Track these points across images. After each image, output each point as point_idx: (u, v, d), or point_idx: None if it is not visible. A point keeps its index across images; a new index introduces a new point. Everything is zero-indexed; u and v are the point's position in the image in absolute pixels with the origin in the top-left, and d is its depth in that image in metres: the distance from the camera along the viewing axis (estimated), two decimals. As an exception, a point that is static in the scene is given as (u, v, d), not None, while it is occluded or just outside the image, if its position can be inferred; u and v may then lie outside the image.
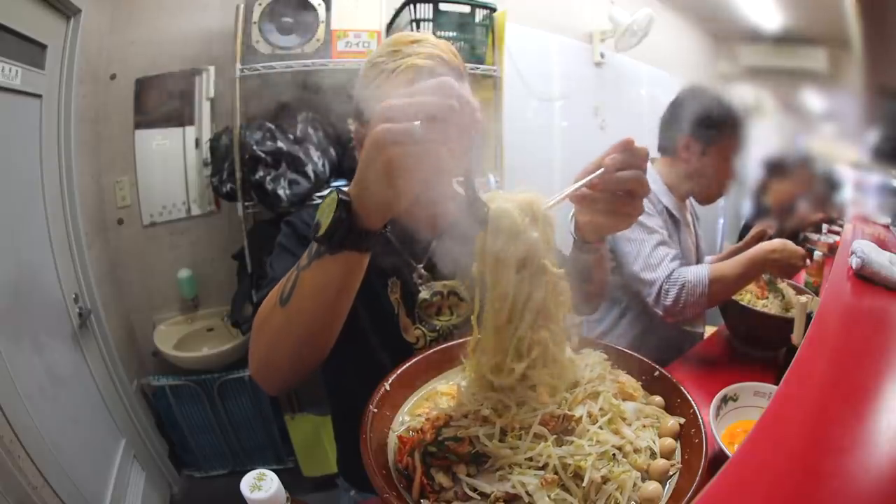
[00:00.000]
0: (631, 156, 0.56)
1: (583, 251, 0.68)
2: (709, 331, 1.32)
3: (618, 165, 0.56)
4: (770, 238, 1.19)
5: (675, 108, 1.24)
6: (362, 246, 0.52)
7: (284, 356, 0.59)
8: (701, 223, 1.39)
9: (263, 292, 0.64)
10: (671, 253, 1.12)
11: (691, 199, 1.31)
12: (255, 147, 1.51)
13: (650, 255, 1.11)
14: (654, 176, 1.25)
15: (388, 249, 0.78)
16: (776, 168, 1.15)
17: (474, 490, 0.46)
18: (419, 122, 0.44)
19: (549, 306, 0.53)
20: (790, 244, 1.05)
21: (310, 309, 0.55)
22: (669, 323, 1.11)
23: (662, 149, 1.28)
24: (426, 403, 0.60)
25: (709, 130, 1.15)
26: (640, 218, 1.19)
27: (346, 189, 0.50)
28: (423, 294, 0.79)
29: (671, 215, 1.23)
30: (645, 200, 1.24)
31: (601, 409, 0.53)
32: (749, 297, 1.19)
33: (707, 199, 1.28)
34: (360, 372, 0.60)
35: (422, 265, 0.80)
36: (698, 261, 1.32)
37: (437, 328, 0.79)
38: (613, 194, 0.58)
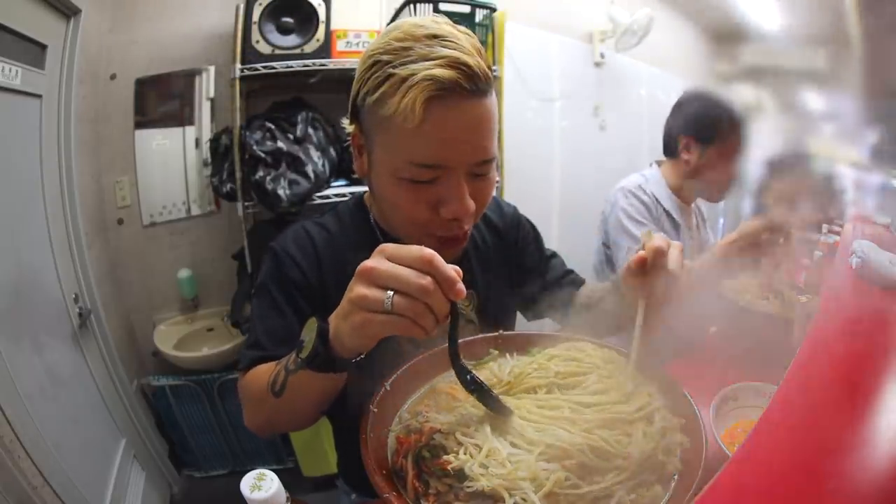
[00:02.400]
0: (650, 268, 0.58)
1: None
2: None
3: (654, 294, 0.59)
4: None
5: (676, 109, 1.25)
6: (339, 370, 0.54)
7: (281, 427, 0.73)
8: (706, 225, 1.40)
9: (248, 356, 0.68)
10: None
11: (697, 201, 1.32)
12: (255, 147, 1.51)
13: None
14: (659, 178, 1.26)
15: None
16: (776, 168, 1.15)
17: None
18: (392, 293, 0.45)
19: None
20: (746, 224, 1.06)
21: (300, 403, 0.60)
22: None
23: (666, 150, 1.29)
24: (425, 400, 0.60)
25: (708, 131, 1.15)
26: (630, 227, 1.19)
27: (327, 318, 0.52)
28: None
29: (671, 219, 1.24)
30: (641, 205, 1.24)
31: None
32: (749, 297, 1.18)
33: (710, 198, 1.29)
34: (360, 394, 0.58)
35: None
36: None
37: None
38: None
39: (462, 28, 0.60)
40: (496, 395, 0.53)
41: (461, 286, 0.46)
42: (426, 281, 0.45)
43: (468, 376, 0.52)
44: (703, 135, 1.18)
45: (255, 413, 0.66)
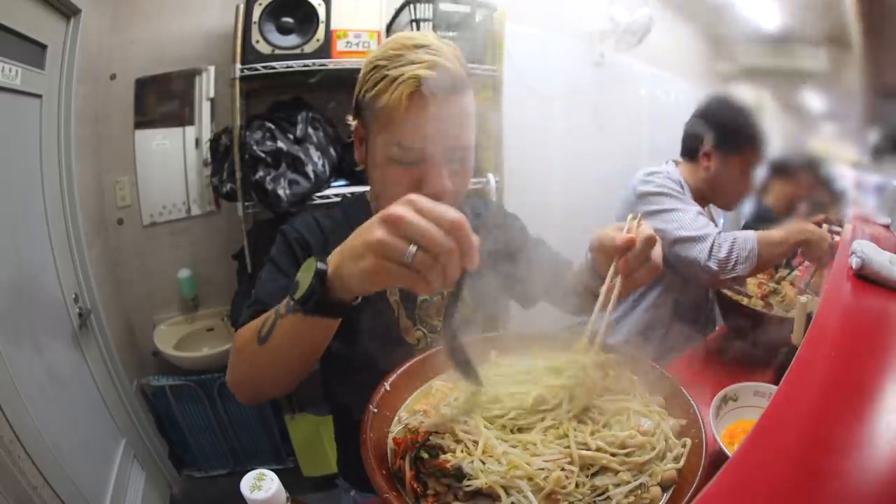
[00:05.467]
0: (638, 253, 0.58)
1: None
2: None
3: (629, 270, 0.59)
4: None
5: (700, 114, 1.24)
6: (333, 314, 0.54)
7: (260, 382, 0.66)
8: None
9: (247, 313, 0.70)
10: (710, 223, 1.14)
11: (710, 207, 1.31)
12: (255, 147, 1.51)
13: (694, 220, 1.12)
14: (677, 176, 1.25)
15: None
16: (778, 168, 1.15)
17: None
18: (414, 247, 0.44)
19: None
20: (826, 233, 1.10)
21: (283, 353, 0.58)
22: (707, 286, 1.14)
23: (685, 152, 1.28)
24: (424, 399, 0.60)
25: (734, 142, 1.15)
26: (676, 195, 1.21)
27: (326, 258, 0.52)
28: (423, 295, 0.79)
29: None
30: (673, 182, 1.23)
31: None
32: (749, 296, 1.19)
33: (725, 206, 1.28)
34: (360, 374, 0.61)
35: None
36: None
37: (438, 329, 0.79)
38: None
39: (446, 40, 0.72)
40: (476, 370, 0.55)
41: (477, 256, 0.47)
42: (453, 244, 0.45)
43: (455, 343, 0.54)
44: (727, 145, 1.17)
45: (237, 364, 0.66)
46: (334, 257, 0.51)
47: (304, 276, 0.52)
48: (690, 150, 1.26)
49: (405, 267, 0.45)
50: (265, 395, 0.69)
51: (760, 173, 1.14)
